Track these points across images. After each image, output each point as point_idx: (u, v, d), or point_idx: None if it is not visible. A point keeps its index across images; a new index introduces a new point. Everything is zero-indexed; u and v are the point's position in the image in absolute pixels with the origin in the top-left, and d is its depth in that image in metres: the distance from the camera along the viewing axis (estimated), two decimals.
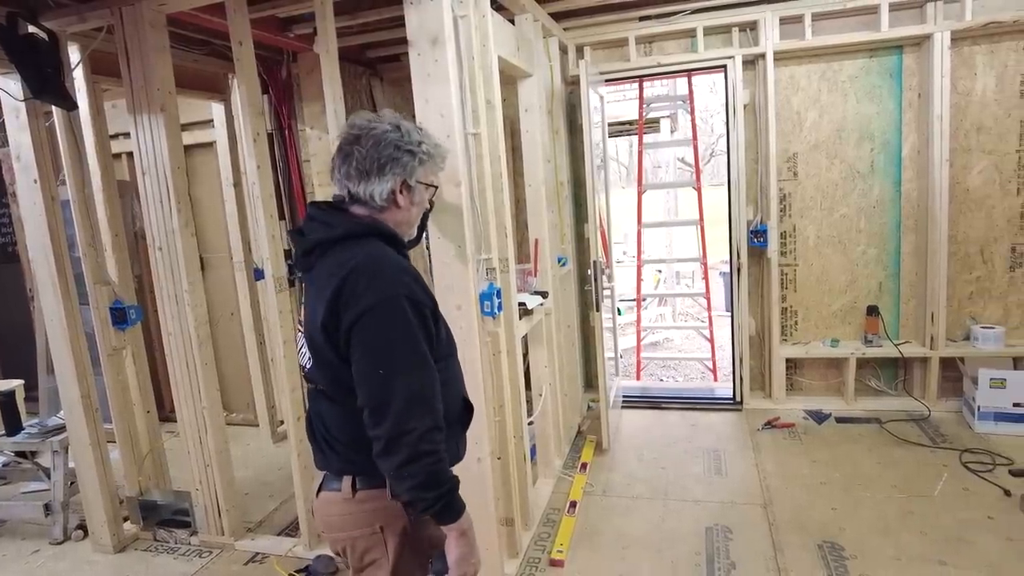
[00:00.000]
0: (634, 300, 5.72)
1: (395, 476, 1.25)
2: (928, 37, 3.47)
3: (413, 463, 1.22)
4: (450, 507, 1.28)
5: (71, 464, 2.97)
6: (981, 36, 3.48)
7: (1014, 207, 3.62)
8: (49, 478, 3.05)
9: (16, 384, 3.46)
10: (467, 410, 1.51)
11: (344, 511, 1.37)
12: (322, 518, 1.43)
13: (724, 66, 3.79)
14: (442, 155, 1.45)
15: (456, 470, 1.37)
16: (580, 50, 3.93)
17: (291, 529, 3.02)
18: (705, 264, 5.73)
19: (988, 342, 3.61)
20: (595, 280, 3.39)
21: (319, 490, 1.43)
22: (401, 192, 1.37)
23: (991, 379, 3.43)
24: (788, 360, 4.03)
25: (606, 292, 3.68)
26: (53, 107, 2.64)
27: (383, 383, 1.23)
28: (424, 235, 2.06)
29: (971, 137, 3.60)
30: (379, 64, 4.05)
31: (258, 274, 3.91)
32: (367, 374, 1.24)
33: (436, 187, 1.49)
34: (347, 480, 1.36)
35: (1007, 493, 2.84)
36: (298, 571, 2.66)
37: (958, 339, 3.76)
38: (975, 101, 3.57)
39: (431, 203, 2.06)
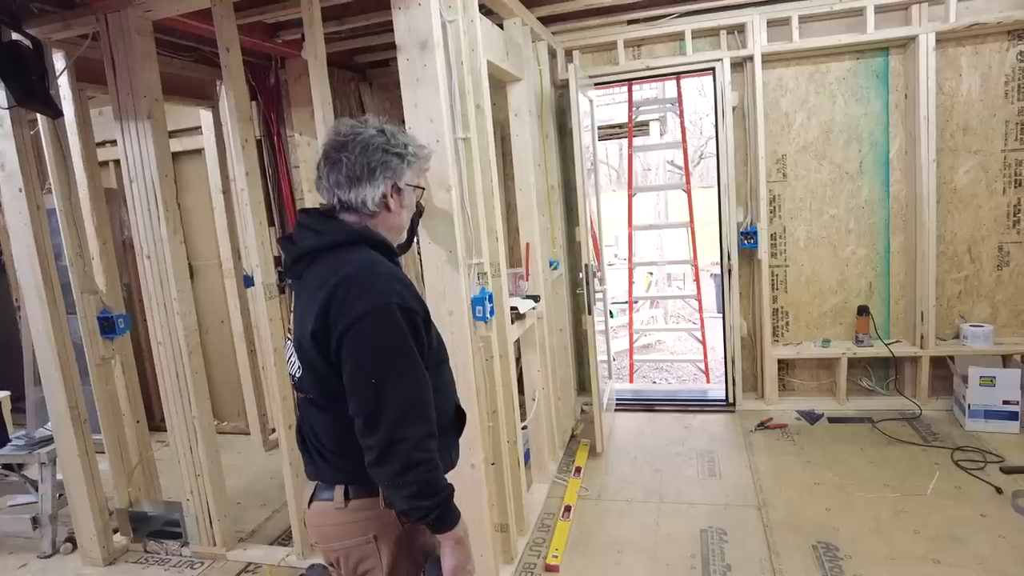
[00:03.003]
0: (626, 303, 5.72)
1: (390, 485, 1.24)
2: (913, 39, 3.50)
3: (408, 472, 1.21)
4: (446, 515, 1.27)
5: (59, 476, 2.93)
6: (966, 37, 3.51)
7: (1000, 206, 3.65)
8: (37, 491, 3.01)
9: (3, 395, 3.42)
10: (459, 417, 1.50)
11: (337, 521, 1.36)
12: (315, 528, 1.41)
13: (712, 69, 3.81)
14: (426, 156, 1.45)
15: (450, 476, 1.35)
16: (569, 54, 3.93)
17: (284, 538, 2.99)
18: (696, 266, 5.75)
19: (977, 340, 3.63)
20: (587, 283, 3.39)
21: (311, 500, 1.42)
22: (392, 196, 1.36)
23: (981, 377, 3.45)
24: (780, 361, 4.04)
25: (598, 295, 3.68)
26: (38, 115, 2.61)
27: (376, 392, 1.22)
28: (415, 240, 2.06)
29: (957, 137, 3.63)
30: (368, 69, 4.04)
31: (248, 281, 3.89)
32: (360, 383, 1.23)
33: (423, 188, 1.50)
34: (339, 489, 1.35)
35: (999, 491, 2.85)
36: None
37: (948, 338, 3.78)
38: (961, 102, 3.60)
39: (420, 206, 2.07)
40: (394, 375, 1.23)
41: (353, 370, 1.24)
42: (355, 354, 1.23)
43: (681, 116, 5.53)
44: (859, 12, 3.52)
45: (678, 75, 4.25)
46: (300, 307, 1.33)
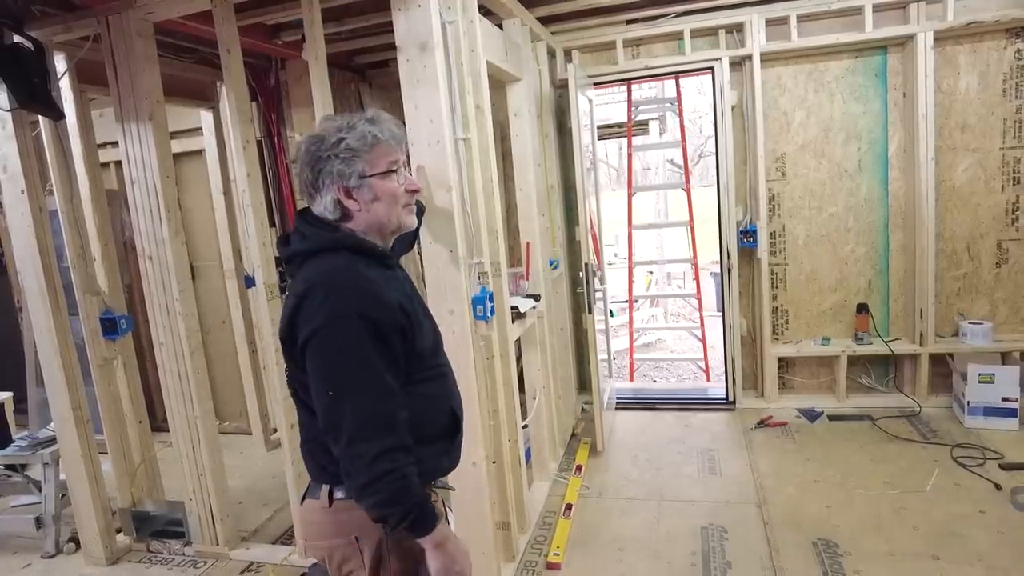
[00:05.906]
0: (626, 302, 5.73)
1: (358, 495, 1.24)
2: (912, 37, 3.51)
3: (374, 483, 1.20)
4: (420, 521, 1.25)
5: (62, 476, 2.94)
6: (964, 36, 3.52)
7: (999, 204, 3.66)
8: (40, 491, 3.02)
9: (5, 396, 3.43)
10: (456, 422, 1.46)
11: (321, 520, 1.36)
12: (304, 526, 1.43)
13: (711, 68, 3.81)
14: (372, 135, 1.30)
15: (451, 476, 1.36)
16: (568, 54, 3.94)
17: (286, 537, 3.00)
18: (696, 265, 5.76)
19: (976, 338, 3.64)
20: (587, 282, 3.40)
21: (303, 497, 1.42)
22: (350, 197, 1.32)
23: (980, 374, 3.46)
24: (780, 359, 4.05)
25: (598, 294, 3.69)
26: (40, 117, 2.62)
27: (334, 405, 1.22)
28: (416, 241, 2.07)
29: (956, 135, 3.64)
30: (368, 70, 4.05)
31: (249, 282, 3.89)
32: (319, 394, 1.24)
33: (396, 167, 1.34)
34: (325, 489, 1.35)
35: (997, 487, 2.86)
36: None
37: (947, 335, 3.79)
38: (959, 100, 3.61)
39: (421, 205, 2.07)
40: (351, 388, 1.21)
41: (314, 380, 1.24)
42: (315, 364, 1.24)
43: (680, 115, 5.54)
44: (857, 11, 3.53)
45: (677, 74, 4.26)
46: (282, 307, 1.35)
